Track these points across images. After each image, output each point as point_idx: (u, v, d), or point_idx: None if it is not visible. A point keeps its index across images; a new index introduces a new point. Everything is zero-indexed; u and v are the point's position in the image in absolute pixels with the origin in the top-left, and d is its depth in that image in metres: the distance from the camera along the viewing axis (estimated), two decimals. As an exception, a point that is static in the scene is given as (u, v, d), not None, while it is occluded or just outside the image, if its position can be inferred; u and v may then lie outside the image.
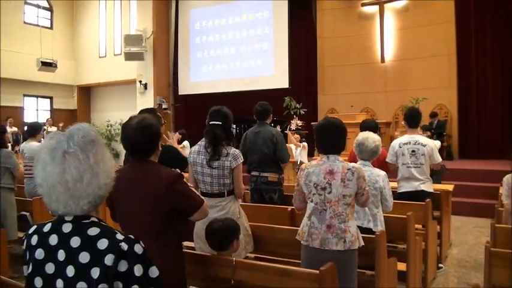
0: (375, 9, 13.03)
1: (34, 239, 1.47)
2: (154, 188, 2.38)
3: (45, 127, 14.45)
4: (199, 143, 3.73)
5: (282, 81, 13.43)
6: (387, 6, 12.82)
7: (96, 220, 1.46)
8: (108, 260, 1.33)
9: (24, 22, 16.78)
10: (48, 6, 17.74)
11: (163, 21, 15.42)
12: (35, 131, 6.69)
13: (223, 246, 2.95)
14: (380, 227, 3.74)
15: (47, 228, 1.47)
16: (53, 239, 1.42)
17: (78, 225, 1.42)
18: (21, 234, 5.70)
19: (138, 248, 1.40)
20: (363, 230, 3.48)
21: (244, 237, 3.55)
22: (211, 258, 2.89)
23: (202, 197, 2.63)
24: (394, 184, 5.36)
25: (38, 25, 16.86)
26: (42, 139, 7.14)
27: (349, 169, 2.99)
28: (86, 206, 1.42)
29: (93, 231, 1.40)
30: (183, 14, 15.31)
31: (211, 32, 14.88)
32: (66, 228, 1.42)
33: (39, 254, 1.43)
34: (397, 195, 5.08)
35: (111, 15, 17.52)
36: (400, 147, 5.10)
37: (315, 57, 14.01)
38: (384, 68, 13.01)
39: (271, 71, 13.79)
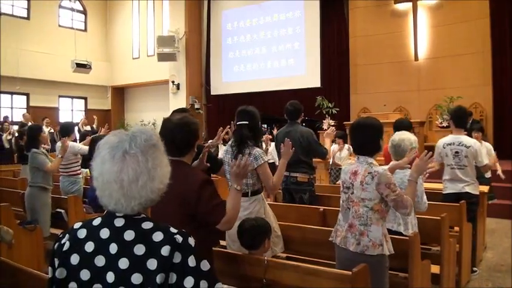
0: (407, 6, 12.82)
1: (82, 233, 1.49)
2: (182, 189, 2.39)
3: (79, 127, 14.77)
4: (229, 142, 3.79)
5: (313, 80, 13.39)
6: (420, 3, 12.59)
7: (145, 216, 1.50)
8: (165, 251, 1.37)
9: (59, 25, 17.23)
10: (82, 9, 18.14)
11: (196, 22, 15.56)
12: (67, 131, 6.84)
13: (254, 245, 2.97)
14: (411, 230, 3.65)
15: (96, 222, 1.50)
16: (104, 233, 1.45)
17: (131, 220, 1.46)
18: (56, 231, 5.88)
19: (191, 241, 1.43)
20: (393, 233, 3.42)
21: (273, 238, 3.56)
22: (243, 257, 2.91)
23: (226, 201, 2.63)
24: (439, 185, 5.30)
25: (72, 28, 17.27)
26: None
27: (370, 173, 2.89)
28: (137, 207, 1.45)
29: (147, 225, 1.44)
30: (215, 14, 15.43)
31: (243, 32, 14.94)
32: (119, 222, 1.45)
33: (89, 247, 1.44)
34: (442, 196, 5.02)
35: (144, 17, 17.77)
36: (444, 147, 5.01)
37: (347, 56, 13.86)
38: (417, 66, 12.79)
39: (302, 71, 13.75)
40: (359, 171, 2.95)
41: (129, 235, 1.42)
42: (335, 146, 8.13)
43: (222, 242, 3.79)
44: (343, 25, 13.76)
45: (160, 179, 1.48)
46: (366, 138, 3.04)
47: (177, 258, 1.38)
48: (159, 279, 1.35)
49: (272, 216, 3.75)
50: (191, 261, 1.40)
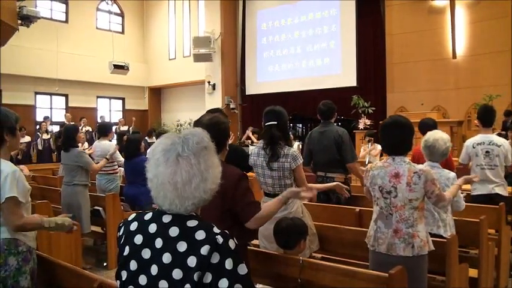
0: (445, 3, 12.56)
1: (134, 225, 1.58)
2: (222, 184, 2.44)
3: (118, 127, 15.12)
4: (258, 144, 3.77)
5: (349, 79, 13.26)
6: (458, -1, 12.35)
7: (194, 214, 1.55)
8: (204, 250, 1.41)
9: (97, 28, 17.64)
10: (119, 12, 18.50)
11: (231, 22, 15.64)
12: (105, 130, 7.00)
13: (290, 245, 2.98)
14: (449, 232, 3.59)
15: (147, 216, 1.58)
16: (152, 227, 1.52)
17: (178, 217, 1.52)
18: (94, 228, 6.04)
19: (232, 244, 1.46)
20: (432, 236, 3.32)
21: (309, 236, 3.56)
22: (278, 256, 2.92)
23: (265, 204, 2.66)
24: (467, 186, 5.18)
25: (110, 30, 17.63)
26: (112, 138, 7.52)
27: (415, 172, 2.87)
28: (190, 207, 1.51)
29: (192, 223, 1.49)
30: (250, 15, 15.47)
31: (278, 32, 14.92)
32: (166, 218, 1.52)
33: (138, 239, 1.53)
34: (470, 198, 4.91)
35: (180, 18, 17.99)
36: (474, 147, 4.91)
37: (384, 54, 13.65)
38: (455, 64, 12.52)
39: (338, 70, 13.64)
40: (401, 172, 2.89)
41: (173, 231, 1.48)
42: (367, 146, 8.13)
43: (255, 242, 3.82)
44: (379, 23, 13.55)
45: (212, 180, 1.53)
46: (399, 138, 3.00)
47: (215, 258, 1.41)
48: (196, 276, 1.39)
49: (308, 215, 3.76)
50: (228, 264, 1.42)
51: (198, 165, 1.50)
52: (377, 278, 2.42)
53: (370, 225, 3.13)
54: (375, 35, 13.81)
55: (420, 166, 2.99)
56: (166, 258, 1.45)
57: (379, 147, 8.01)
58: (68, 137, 6.00)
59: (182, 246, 1.44)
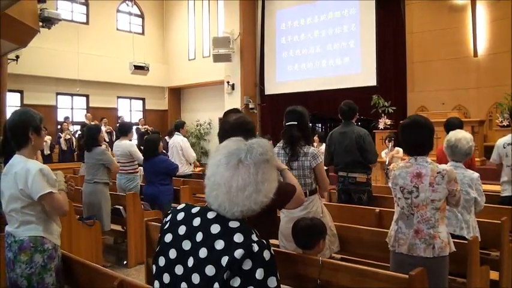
0: (465, 1, 12.43)
1: (180, 215, 1.62)
2: None
3: (138, 126, 15.27)
4: (278, 144, 3.79)
5: (369, 79, 13.15)
6: (479, -4, 12.18)
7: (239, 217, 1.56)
8: (238, 254, 1.41)
9: (117, 29, 17.86)
10: (139, 13, 18.67)
11: (250, 22, 15.65)
12: (125, 130, 7.07)
13: (309, 245, 2.97)
14: (472, 233, 3.54)
15: (194, 210, 1.61)
16: (197, 221, 1.56)
17: (222, 216, 1.53)
18: (114, 227, 6.12)
19: (267, 254, 1.46)
20: (455, 237, 3.30)
21: (329, 236, 3.55)
22: (298, 256, 2.90)
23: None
24: (497, 187, 5.10)
25: (130, 31, 17.82)
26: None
27: (439, 172, 2.84)
28: (237, 213, 1.51)
29: (234, 224, 1.50)
30: (269, 15, 15.47)
31: (297, 31, 14.89)
32: (211, 215, 1.55)
33: (182, 230, 1.57)
34: (499, 199, 4.83)
35: (200, 18, 18.08)
36: (505, 147, 4.83)
37: (404, 53, 13.50)
38: (476, 62, 12.37)
39: (358, 69, 13.55)
40: (423, 172, 2.87)
41: (215, 229, 1.50)
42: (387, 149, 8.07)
43: (275, 241, 3.83)
44: (400, 21, 13.39)
45: (265, 193, 1.53)
46: (419, 138, 2.97)
47: (247, 265, 1.41)
48: (225, 276, 1.40)
49: (328, 215, 3.75)
50: (259, 274, 1.42)
51: (256, 176, 1.50)
52: (397, 279, 2.40)
53: (391, 226, 3.11)
54: (395, 34, 13.64)
55: (443, 166, 2.97)
56: (203, 252, 1.47)
57: (401, 150, 7.94)
58: (90, 136, 6.10)
59: (219, 244, 1.46)
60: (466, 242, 3.19)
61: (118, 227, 6.32)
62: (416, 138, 2.98)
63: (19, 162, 2.83)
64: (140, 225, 5.91)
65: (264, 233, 2.70)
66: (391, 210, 3.22)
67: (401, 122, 3.36)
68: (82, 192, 6.06)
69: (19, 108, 3.06)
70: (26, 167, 2.77)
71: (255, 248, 1.44)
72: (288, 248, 3.33)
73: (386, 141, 8.83)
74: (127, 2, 18.00)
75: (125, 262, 6.07)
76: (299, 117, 3.67)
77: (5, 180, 2.88)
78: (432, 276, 2.65)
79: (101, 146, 6.15)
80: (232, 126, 2.56)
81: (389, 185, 3.10)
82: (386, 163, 8.01)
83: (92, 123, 11.79)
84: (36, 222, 2.82)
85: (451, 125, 5.01)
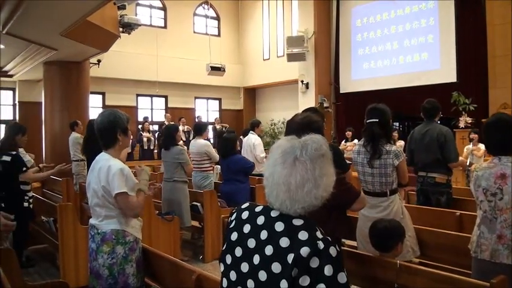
0: (555, -12, 11.63)
1: (245, 214, 1.66)
2: None
3: (215, 125, 15.63)
4: (359, 142, 3.76)
5: (449, 75, 12.64)
6: None
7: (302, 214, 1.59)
8: (304, 251, 1.42)
9: (194, 32, 18.34)
10: (215, 15, 19.09)
11: (324, 21, 15.52)
12: (201, 130, 7.25)
13: (387, 247, 2.93)
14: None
15: (258, 209, 1.65)
16: (261, 219, 1.59)
17: (285, 214, 1.56)
18: (191, 222, 6.32)
19: (333, 251, 1.46)
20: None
21: (410, 238, 3.47)
22: (375, 259, 2.88)
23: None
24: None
25: (206, 34, 18.29)
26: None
27: None
28: (299, 210, 1.53)
29: (297, 221, 1.52)
30: (344, 12, 15.28)
31: (373, 28, 14.59)
32: (274, 213, 1.58)
33: (247, 228, 1.61)
34: None
35: (274, 18, 18.18)
36: None
37: (485, 46, 12.77)
38: None
39: (437, 65, 13.06)
40: (508, 173, 2.70)
41: (279, 226, 1.52)
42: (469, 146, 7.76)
43: (353, 243, 3.79)
44: (480, 13, 12.68)
45: (324, 187, 1.55)
46: (504, 137, 2.81)
47: (315, 263, 1.42)
48: (293, 274, 1.41)
49: (408, 216, 3.68)
50: (328, 270, 1.42)
51: (313, 171, 1.52)
52: (477, 287, 2.31)
53: (473, 231, 2.97)
54: (475, 27, 12.87)
55: None
56: (269, 250, 1.50)
57: (482, 147, 7.60)
58: (168, 135, 6.33)
59: (284, 242, 1.47)
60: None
61: (195, 223, 6.51)
62: (500, 137, 2.83)
63: (104, 159, 3.00)
64: (217, 221, 6.08)
65: (342, 233, 2.71)
66: (473, 214, 3.09)
67: (484, 120, 3.22)
68: (162, 189, 6.26)
69: (106, 109, 3.23)
70: (108, 164, 2.92)
71: (321, 245, 1.44)
72: (367, 249, 3.28)
73: (470, 135, 8.49)
74: (203, 5, 18.47)
75: (200, 257, 6.24)
76: (380, 114, 3.66)
77: (91, 175, 3.06)
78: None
79: (178, 144, 6.35)
80: (298, 125, 2.59)
81: (471, 186, 2.96)
82: (467, 163, 7.68)
83: (171, 122, 12.17)
84: (117, 217, 2.97)
85: None
